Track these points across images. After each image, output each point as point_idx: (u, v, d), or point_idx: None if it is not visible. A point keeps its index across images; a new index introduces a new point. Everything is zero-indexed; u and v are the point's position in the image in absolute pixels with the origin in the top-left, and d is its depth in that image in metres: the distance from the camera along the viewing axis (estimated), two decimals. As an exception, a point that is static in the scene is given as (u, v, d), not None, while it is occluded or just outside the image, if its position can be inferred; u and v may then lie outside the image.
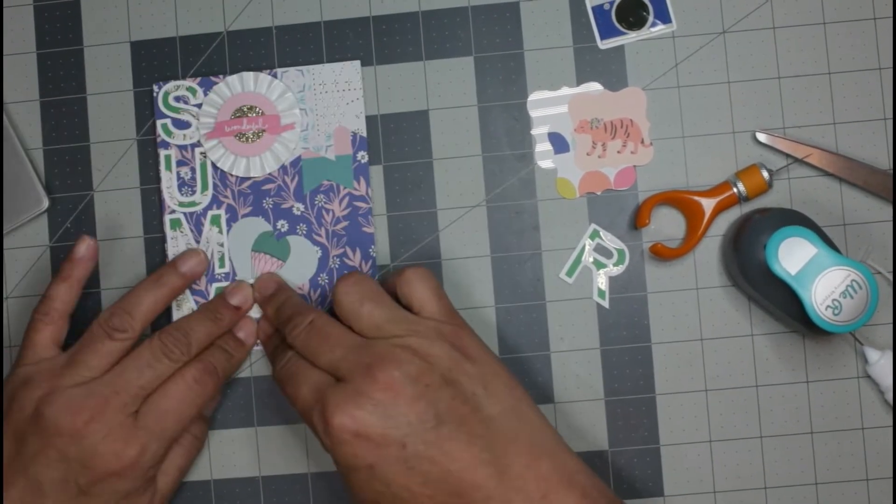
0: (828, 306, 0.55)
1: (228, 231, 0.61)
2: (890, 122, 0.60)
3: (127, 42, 0.63)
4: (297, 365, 0.53)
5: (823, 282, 0.55)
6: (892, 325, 0.60)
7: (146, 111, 0.62)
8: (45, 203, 0.62)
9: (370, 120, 0.61)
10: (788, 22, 0.61)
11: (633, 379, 0.60)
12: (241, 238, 0.61)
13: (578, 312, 0.61)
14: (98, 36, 0.63)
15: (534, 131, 0.61)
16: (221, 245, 0.61)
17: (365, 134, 0.61)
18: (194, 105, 0.61)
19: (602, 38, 0.61)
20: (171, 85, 0.61)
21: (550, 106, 0.61)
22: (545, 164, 0.61)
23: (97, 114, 0.62)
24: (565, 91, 0.61)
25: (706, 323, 0.60)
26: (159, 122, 0.61)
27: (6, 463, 0.53)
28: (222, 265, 0.61)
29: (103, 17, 0.63)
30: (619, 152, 0.60)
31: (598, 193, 0.61)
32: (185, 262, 0.59)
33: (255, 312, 0.60)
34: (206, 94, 0.61)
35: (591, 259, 0.60)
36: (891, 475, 0.60)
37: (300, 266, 0.61)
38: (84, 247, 0.58)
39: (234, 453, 0.61)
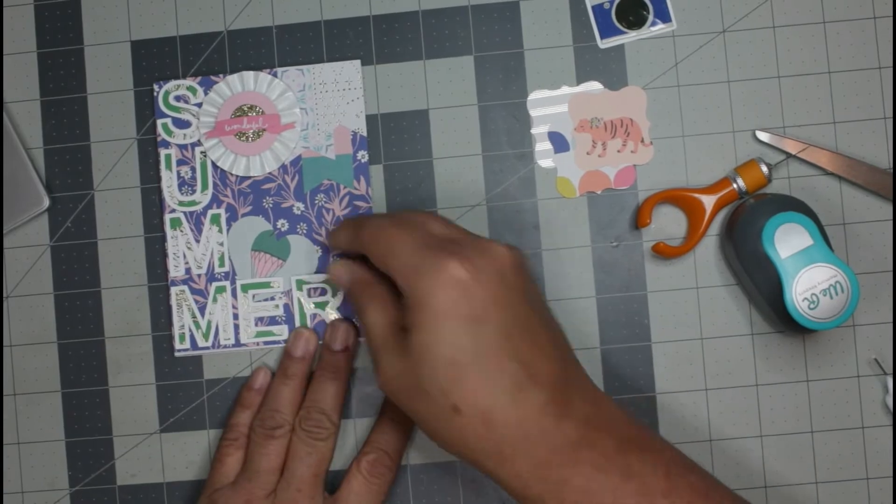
0: (805, 298, 0.55)
1: (228, 230, 0.61)
2: (890, 122, 0.60)
3: (127, 42, 0.63)
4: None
5: (809, 274, 0.56)
6: (892, 325, 0.60)
7: (146, 111, 0.62)
8: (46, 202, 0.62)
9: (370, 119, 0.61)
10: (788, 21, 0.61)
11: (633, 378, 0.60)
12: (240, 237, 0.61)
13: (578, 311, 0.61)
14: (98, 36, 0.63)
15: (534, 130, 0.61)
16: (221, 244, 0.61)
17: (365, 133, 0.61)
18: (195, 104, 0.61)
19: (602, 37, 0.61)
20: (171, 84, 0.61)
21: (550, 105, 0.61)
22: (545, 163, 0.61)
23: (97, 113, 0.62)
24: (565, 90, 0.61)
25: (706, 322, 0.60)
26: (160, 122, 0.61)
27: None
28: (222, 264, 0.61)
29: (103, 17, 0.63)
30: (619, 151, 0.60)
31: (599, 192, 0.61)
32: (297, 347, 0.60)
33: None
34: (206, 94, 0.61)
35: (312, 305, 0.61)
36: (891, 474, 0.60)
37: (300, 265, 0.61)
38: (261, 377, 0.61)
39: (234, 453, 0.61)
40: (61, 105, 0.63)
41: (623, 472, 0.49)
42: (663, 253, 0.59)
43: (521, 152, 0.61)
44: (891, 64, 0.60)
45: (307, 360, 0.60)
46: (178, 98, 0.61)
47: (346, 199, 0.61)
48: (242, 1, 0.62)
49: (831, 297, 0.55)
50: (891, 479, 0.60)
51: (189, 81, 0.61)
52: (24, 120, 0.63)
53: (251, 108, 0.61)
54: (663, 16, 0.61)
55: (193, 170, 0.61)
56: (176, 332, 0.61)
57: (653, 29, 0.61)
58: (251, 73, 0.61)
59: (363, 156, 0.61)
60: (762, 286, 0.57)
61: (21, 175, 0.62)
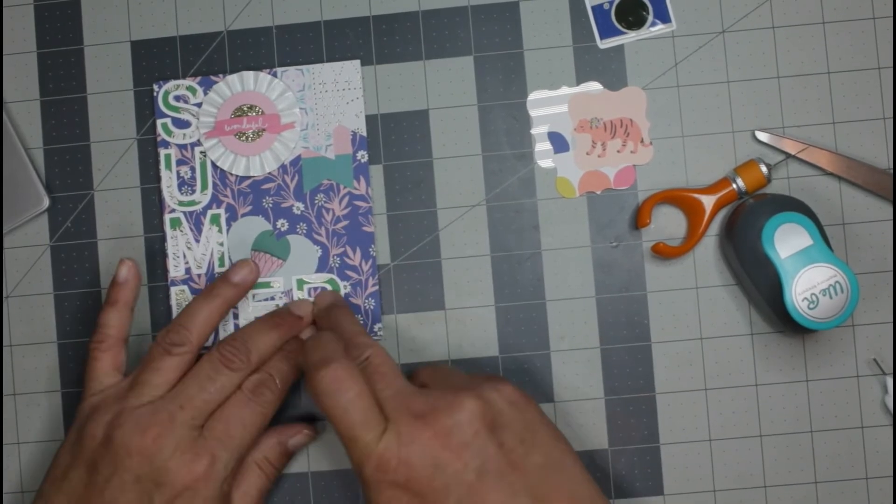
0: (805, 298, 0.55)
1: (228, 230, 0.61)
2: (889, 122, 0.60)
3: (127, 42, 0.63)
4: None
5: (809, 274, 0.56)
6: (892, 325, 0.60)
7: (146, 111, 0.62)
8: (46, 202, 0.62)
9: (370, 119, 0.61)
10: (788, 21, 0.61)
11: (632, 378, 0.60)
12: (240, 237, 0.61)
13: (578, 311, 0.61)
14: (98, 36, 0.63)
15: (533, 130, 0.61)
16: (221, 244, 0.61)
17: (365, 133, 0.61)
18: (194, 104, 0.61)
19: (602, 37, 0.61)
20: (171, 84, 0.61)
21: (550, 105, 0.61)
22: (545, 163, 0.61)
23: (97, 113, 0.62)
24: (565, 90, 0.61)
25: (706, 322, 0.60)
26: (159, 122, 0.61)
27: (80, 492, 0.53)
28: (222, 264, 0.61)
29: (103, 17, 0.63)
30: (618, 152, 0.60)
31: (598, 193, 0.61)
32: (237, 273, 0.58)
33: None
34: (206, 94, 0.61)
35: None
36: (890, 474, 0.60)
37: (300, 265, 0.61)
38: (125, 269, 0.58)
39: (234, 452, 0.61)
40: (61, 105, 0.63)
41: None
42: (663, 253, 0.59)
43: (521, 152, 0.61)
44: (890, 64, 0.60)
45: (241, 288, 0.58)
46: (177, 98, 0.61)
47: (346, 198, 0.61)
48: (242, 1, 0.62)
49: (831, 297, 0.56)
50: (890, 479, 0.60)
51: (189, 81, 0.61)
52: (24, 120, 0.63)
53: (251, 108, 0.61)
54: (663, 16, 0.61)
55: (193, 170, 0.61)
56: None
57: (652, 29, 0.61)
58: (251, 73, 0.61)
59: (363, 156, 0.61)
60: (762, 286, 0.57)
61: (21, 175, 0.62)
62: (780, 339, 0.60)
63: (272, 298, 0.61)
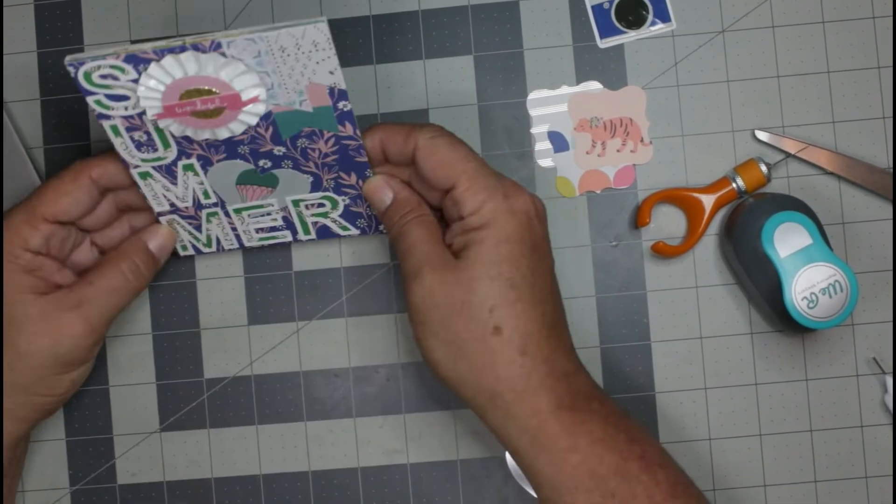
0: (804, 298, 0.56)
1: (206, 174, 0.56)
2: (889, 121, 0.60)
3: (127, 42, 0.63)
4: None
5: (808, 273, 0.56)
6: (891, 324, 0.60)
7: (146, 110, 0.62)
8: (46, 202, 0.62)
9: (370, 119, 0.61)
10: (787, 21, 0.61)
11: (632, 377, 0.61)
12: (220, 177, 0.56)
13: (578, 310, 0.61)
14: (98, 36, 0.63)
15: (533, 130, 0.61)
16: (202, 184, 0.56)
17: (344, 86, 0.51)
18: (129, 80, 0.51)
19: (602, 37, 0.61)
20: (91, 65, 0.50)
21: (550, 105, 0.61)
22: (545, 162, 0.61)
23: (97, 113, 0.62)
24: (565, 90, 0.61)
25: (706, 321, 0.60)
26: (90, 99, 0.51)
27: None
28: (207, 197, 0.57)
29: (103, 17, 0.63)
30: (618, 151, 0.60)
31: (598, 192, 0.61)
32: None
33: None
34: (139, 73, 0.50)
35: (312, 215, 0.58)
36: (890, 473, 0.60)
37: (292, 191, 0.57)
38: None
39: (234, 452, 0.62)
40: (61, 105, 0.63)
41: (628, 434, 0.50)
42: (663, 252, 0.60)
43: (521, 152, 0.61)
44: (890, 64, 0.60)
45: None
46: (104, 76, 0.51)
47: (332, 140, 0.54)
48: (242, 1, 0.62)
49: (830, 297, 0.56)
50: (890, 478, 0.60)
51: (112, 61, 0.50)
52: (24, 120, 0.63)
53: (201, 91, 0.51)
54: (663, 16, 0.61)
55: (148, 133, 0.53)
56: (177, 247, 0.59)
57: (652, 29, 0.61)
58: (189, 53, 0.49)
59: (345, 105, 0.52)
60: (761, 285, 0.57)
61: (21, 175, 0.62)
62: (780, 338, 0.61)
63: (268, 213, 0.58)
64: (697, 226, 0.60)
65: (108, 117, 0.52)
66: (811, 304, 0.56)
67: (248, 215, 0.58)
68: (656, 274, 0.61)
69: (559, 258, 0.61)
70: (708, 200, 0.60)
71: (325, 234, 0.60)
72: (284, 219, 0.59)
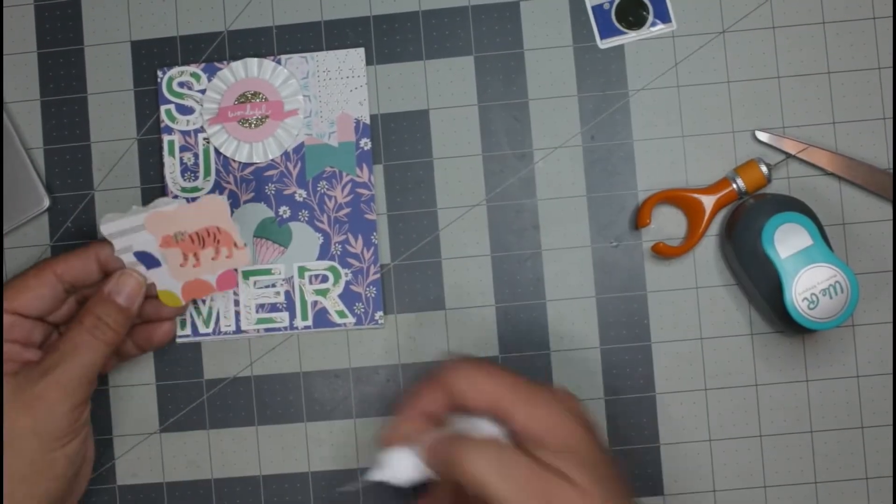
0: (805, 298, 0.56)
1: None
2: (889, 122, 0.60)
3: (127, 42, 0.63)
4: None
5: (809, 274, 0.56)
6: (892, 325, 0.60)
7: (147, 110, 0.62)
8: (46, 202, 0.62)
9: (371, 119, 0.61)
10: (788, 21, 0.61)
11: (632, 378, 0.60)
12: (243, 224, 0.61)
13: (578, 312, 0.61)
14: (98, 36, 0.63)
15: (118, 254, 0.56)
16: None
17: (368, 121, 0.61)
18: (198, 91, 0.62)
19: (602, 37, 0.61)
20: (175, 70, 0.62)
21: (129, 232, 0.56)
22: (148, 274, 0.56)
23: (97, 113, 0.62)
24: (140, 213, 0.56)
25: (706, 322, 0.60)
26: (163, 108, 0.62)
27: None
28: None
29: (103, 17, 0.63)
30: (213, 259, 0.57)
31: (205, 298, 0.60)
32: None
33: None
34: (210, 80, 0.61)
35: (313, 292, 0.60)
36: (890, 474, 0.60)
37: (301, 252, 0.61)
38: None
39: (234, 453, 0.61)
40: (61, 105, 0.63)
41: None
42: (663, 253, 0.60)
43: (522, 152, 0.61)
44: (890, 64, 0.60)
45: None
46: (181, 84, 0.62)
47: (349, 186, 0.61)
48: (243, 1, 0.62)
49: (831, 297, 0.56)
50: (890, 479, 0.60)
51: (193, 68, 0.62)
52: (24, 120, 0.63)
53: (255, 94, 0.61)
54: (663, 16, 0.61)
55: (196, 156, 0.62)
56: (177, 318, 0.61)
57: (653, 29, 0.61)
58: (255, 59, 0.61)
59: (366, 143, 0.61)
60: (762, 286, 0.57)
61: (21, 175, 0.62)
62: (780, 338, 0.60)
63: (273, 285, 0.61)
64: (698, 226, 0.60)
65: (170, 131, 0.61)
66: (812, 305, 0.56)
67: (255, 283, 0.61)
68: (657, 275, 0.61)
69: (560, 259, 0.61)
70: (708, 201, 0.60)
71: (321, 321, 0.61)
72: (286, 294, 0.60)
